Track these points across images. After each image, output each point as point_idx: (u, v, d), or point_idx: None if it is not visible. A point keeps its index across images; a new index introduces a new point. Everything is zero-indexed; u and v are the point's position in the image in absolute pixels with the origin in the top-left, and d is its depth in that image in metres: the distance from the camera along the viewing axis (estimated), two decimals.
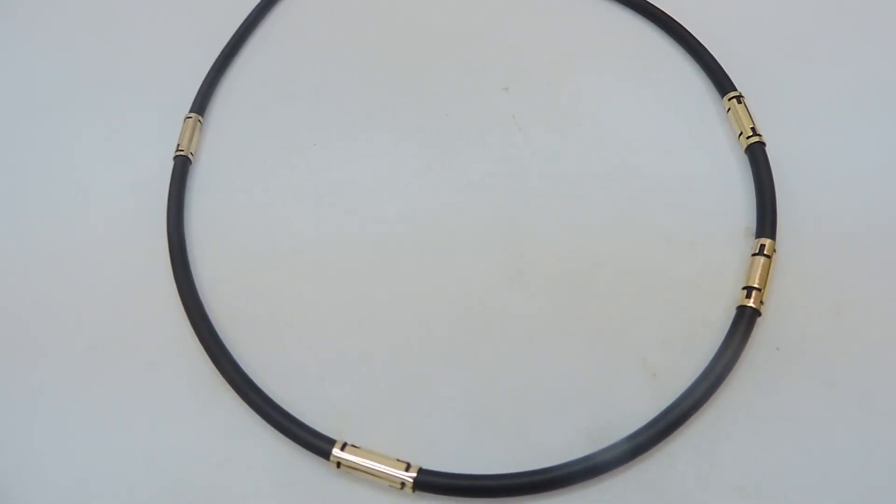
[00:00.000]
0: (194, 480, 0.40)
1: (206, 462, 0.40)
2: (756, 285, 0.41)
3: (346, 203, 0.48)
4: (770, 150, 0.47)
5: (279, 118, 0.53)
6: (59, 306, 0.45)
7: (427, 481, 0.37)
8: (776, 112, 0.49)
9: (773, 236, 0.43)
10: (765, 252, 0.42)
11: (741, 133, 0.47)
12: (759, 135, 0.47)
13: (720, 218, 0.45)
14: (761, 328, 0.41)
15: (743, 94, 0.49)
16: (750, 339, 0.40)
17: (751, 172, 0.46)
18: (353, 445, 0.39)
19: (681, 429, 0.38)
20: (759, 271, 0.42)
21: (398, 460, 0.38)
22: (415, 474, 0.38)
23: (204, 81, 0.54)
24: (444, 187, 0.48)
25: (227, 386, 0.42)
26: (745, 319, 0.40)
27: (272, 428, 0.40)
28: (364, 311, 0.44)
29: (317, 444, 0.39)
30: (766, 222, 0.44)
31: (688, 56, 0.53)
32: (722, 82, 0.50)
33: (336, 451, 0.38)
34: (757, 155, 0.46)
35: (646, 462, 0.38)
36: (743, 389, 0.40)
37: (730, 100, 0.49)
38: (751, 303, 0.41)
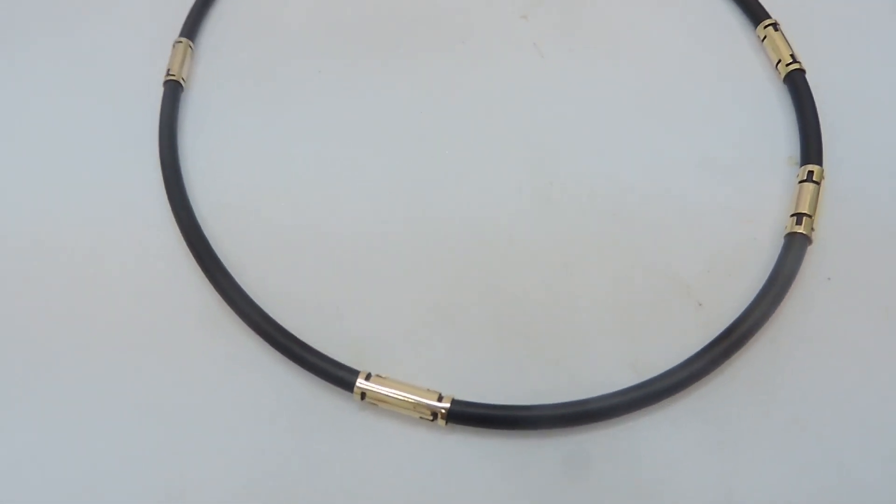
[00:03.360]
0: (203, 422, 0.36)
1: (217, 401, 0.37)
2: (806, 212, 0.39)
3: (356, 131, 0.45)
4: (809, 79, 0.44)
5: (278, 45, 0.49)
6: (51, 250, 0.42)
7: (462, 412, 0.34)
8: (812, 42, 0.46)
9: (819, 163, 0.41)
10: (813, 178, 0.40)
11: (779, 61, 0.45)
12: (799, 62, 0.44)
13: (760, 146, 0.43)
14: (812, 257, 0.39)
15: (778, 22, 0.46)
16: (801, 269, 0.38)
17: (791, 101, 0.44)
18: (378, 376, 0.35)
19: (732, 359, 0.36)
20: (808, 198, 0.39)
21: (429, 390, 0.35)
22: (448, 404, 0.34)
23: (194, 6, 0.50)
24: (462, 114, 0.45)
25: (236, 317, 0.38)
26: (795, 246, 0.38)
27: (288, 360, 0.37)
28: (379, 239, 0.41)
29: (339, 375, 0.36)
30: (812, 149, 0.41)
31: None
32: (755, 11, 0.47)
33: (360, 382, 0.35)
34: (797, 82, 0.44)
35: (696, 394, 0.36)
36: (796, 320, 0.37)
37: (765, 27, 0.46)
38: (801, 229, 0.38)
